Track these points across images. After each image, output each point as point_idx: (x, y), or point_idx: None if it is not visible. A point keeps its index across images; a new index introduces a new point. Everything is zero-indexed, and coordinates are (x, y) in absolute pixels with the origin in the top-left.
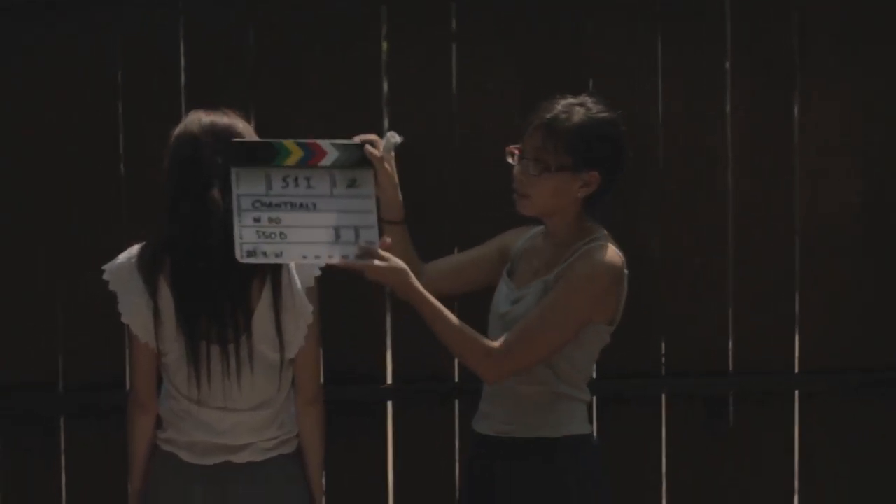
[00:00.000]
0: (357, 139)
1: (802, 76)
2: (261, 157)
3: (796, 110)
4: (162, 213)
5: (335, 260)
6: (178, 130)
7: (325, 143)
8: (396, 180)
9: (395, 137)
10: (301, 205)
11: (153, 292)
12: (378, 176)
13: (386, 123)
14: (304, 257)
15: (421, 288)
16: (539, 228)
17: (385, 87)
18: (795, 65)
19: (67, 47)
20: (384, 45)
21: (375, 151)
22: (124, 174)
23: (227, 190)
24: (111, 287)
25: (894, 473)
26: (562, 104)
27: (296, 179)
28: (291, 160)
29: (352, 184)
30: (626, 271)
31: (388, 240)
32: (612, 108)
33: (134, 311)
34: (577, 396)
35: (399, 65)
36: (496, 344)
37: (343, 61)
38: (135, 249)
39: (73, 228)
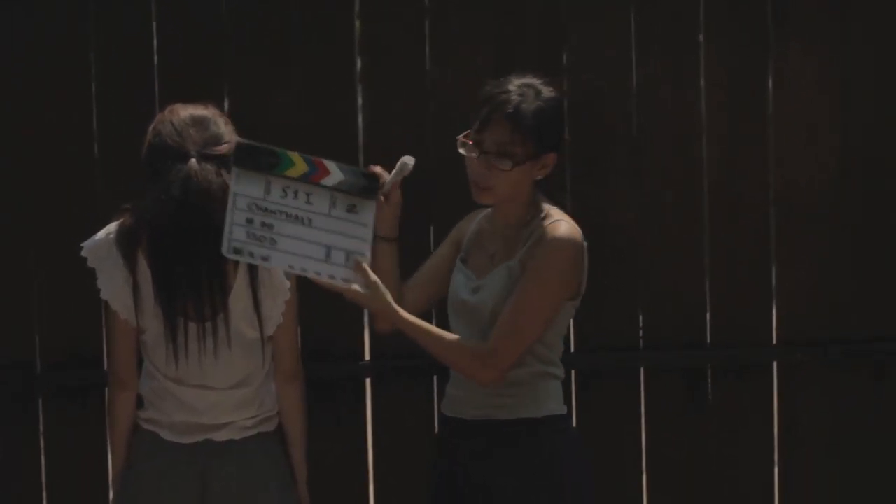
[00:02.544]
0: (366, 169)
1: (778, 43)
2: (264, 162)
3: (771, 79)
4: (140, 190)
5: (321, 278)
6: (154, 122)
7: (331, 164)
8: (400, 204)
9: (409, 163)
10: (297, 217)
11: (132, 268)
12: (382, 208)
13: (359, 101)
14: (291, 267)
15: (400, 311)
16: (486, 212)
17: (359, 64)
18: (771, 32)
19: (40, 26)
20: (357, 23)
21: (385, 178)
22: (98, 153)
23: (203, 159)
24: (90, 264)
25: (873, 444)
26: (514, 89)
27: (296, 192)
28: (294, 172)
29: (351, 209)
30: (584, 243)
31: (373, 277)
32: (554, 82)
33: (113, 287)
34: (553, 373)
35: (372, 41)
36: (484, 347)
37: (317, 38)
38: (113, 226)
39: (49, 207)
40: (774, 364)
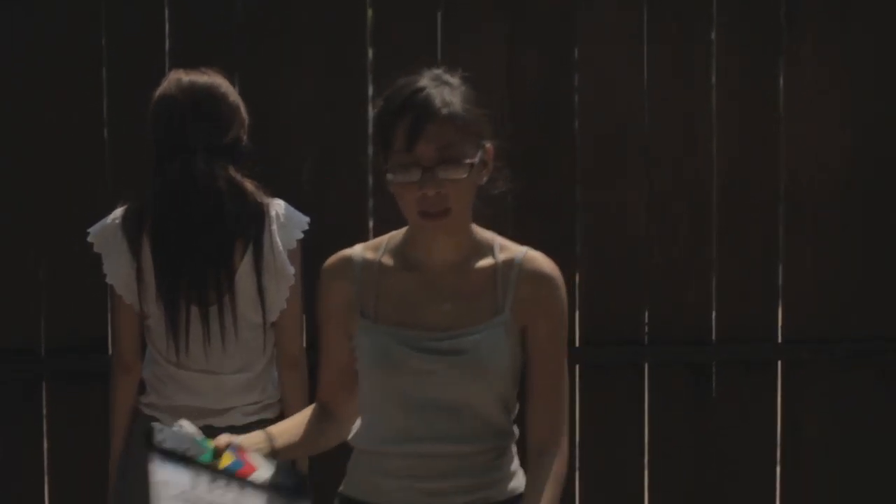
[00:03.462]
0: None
1: (790, 42)
2: (185, 450)
3: (782, 76)
4: (148, 174)
5: None
6: (158, 92)
7: (256, 457)
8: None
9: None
10: None
11: (136, 252)
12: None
13: (371, 91)
14: None
15: None
16: (358, 256)
17: (370, 54)
18: (783, 30)
19: (50, 12)
20: (369, 12)
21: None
22: (108, 139)
23: (209, 154)
24: (96, 248)
25: (878, 443)
26: (427, 84)
27: (226, 484)
28: (218, 464)
29: None
30: None
31: None
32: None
33: (118, 271)
34: (515, 435)
35: (384, 32)
36: (556, 448)
37: (329, 28)
38: (119, 212)
39: (57, 193)
40: (780, 362)
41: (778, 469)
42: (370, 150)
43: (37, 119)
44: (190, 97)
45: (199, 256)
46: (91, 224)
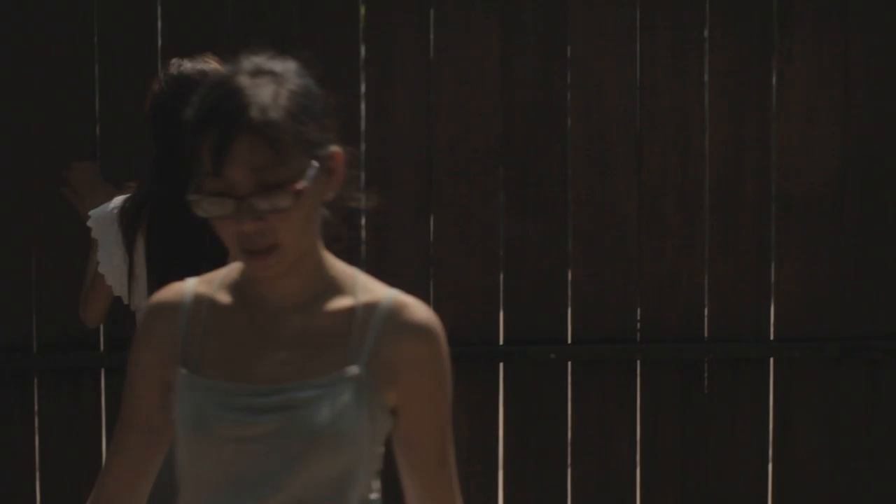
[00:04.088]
0: None
1: (782, 38)
2: None
3: (774, 74)
4: (140, 172)
5: None
6: (156, 83)
7: None
8: None
9: None
10: None
11: (130, 245)
12: None
13: (363, 88)
14: None
15: None
16: (189, 291)
17: (363, 51)
18: (775, 28)
19: (41, 5)
20: (362, 9)
21: None
22: (100, 135)
23: None
24: (93, 234)
25: (869, 441)
26: (243, 84)
27: None
28: None
29: None
30: None
31: None
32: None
33: (111, 262)
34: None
35: (376, 29)
36: None
37: (321, 24)
38: (119, 200)
39: (48, 189)
40: (771, 360)
41: (770, 466)
42: (363, 147)
43: (28, 117)
44: (191, 90)
45: (193, 254)
46: (82, 221)
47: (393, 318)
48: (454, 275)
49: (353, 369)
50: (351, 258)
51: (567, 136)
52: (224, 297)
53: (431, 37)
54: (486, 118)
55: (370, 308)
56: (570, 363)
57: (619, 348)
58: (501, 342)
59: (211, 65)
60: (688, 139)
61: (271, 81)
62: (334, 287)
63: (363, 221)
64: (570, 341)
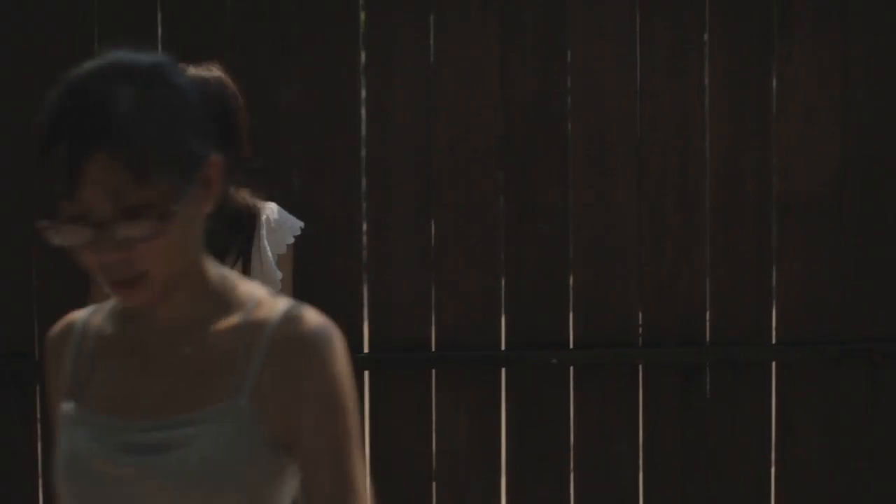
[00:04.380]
0: None
1: (781, 40)
2: None
3: (774, 76)
4: None
5: None
6: None
7: None
8: None
9: None
10: None
11: None
12: None
13: (363, 93)
14: None
15: None
16: (80, 322)
17: (363, 56)
18: (775, 31)
19: (41, 5)
20: (362, 15)
21: None
22: None
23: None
24: None
25: (869, 442)
26: (96, 90)
27: None
28: None
29: None
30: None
31: None
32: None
33: None
34: None
35: (377, 33)
36: None
37: (321, 25)
38: None
39: (50, 193)
40: (773, 363)
41: (772, 469)
42: (363, 153)
43: (28, 117)
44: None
45: None
46: None
47: (278, 336)
48: (454, 277)
49: (237, 400)
50: (351, 258)
51: (567, 136)
52: (112, 325)
53: (431, 37)
54: (486, 118)
55: (258, 327)
56: (571, 368)
57: (621, 352)
58: (503, 347)
59: (214, 73)
60: (688, 140)
61: (133, 83)
62: (226, 304)
63: (364, 228)
64: (571, 345)
